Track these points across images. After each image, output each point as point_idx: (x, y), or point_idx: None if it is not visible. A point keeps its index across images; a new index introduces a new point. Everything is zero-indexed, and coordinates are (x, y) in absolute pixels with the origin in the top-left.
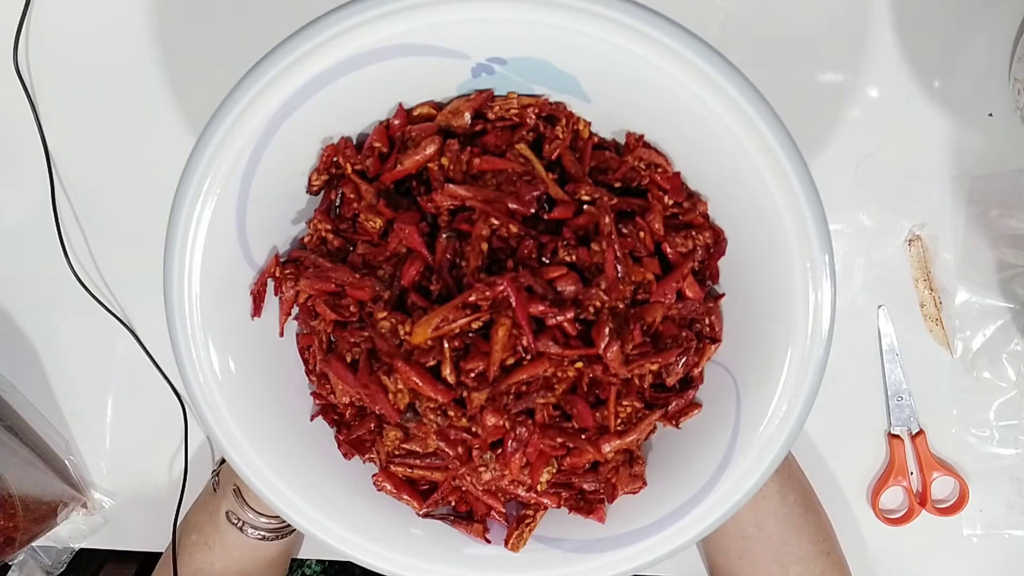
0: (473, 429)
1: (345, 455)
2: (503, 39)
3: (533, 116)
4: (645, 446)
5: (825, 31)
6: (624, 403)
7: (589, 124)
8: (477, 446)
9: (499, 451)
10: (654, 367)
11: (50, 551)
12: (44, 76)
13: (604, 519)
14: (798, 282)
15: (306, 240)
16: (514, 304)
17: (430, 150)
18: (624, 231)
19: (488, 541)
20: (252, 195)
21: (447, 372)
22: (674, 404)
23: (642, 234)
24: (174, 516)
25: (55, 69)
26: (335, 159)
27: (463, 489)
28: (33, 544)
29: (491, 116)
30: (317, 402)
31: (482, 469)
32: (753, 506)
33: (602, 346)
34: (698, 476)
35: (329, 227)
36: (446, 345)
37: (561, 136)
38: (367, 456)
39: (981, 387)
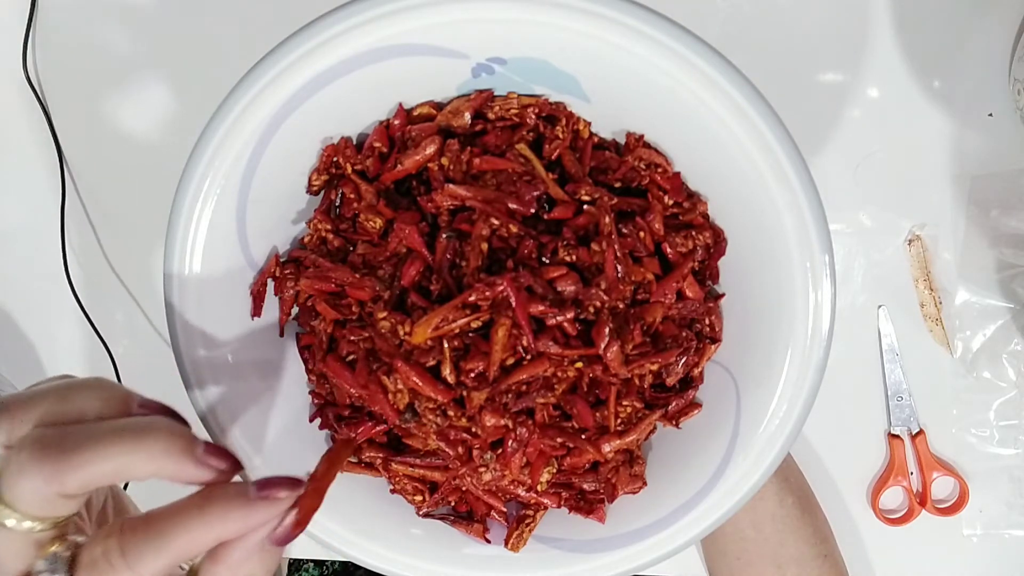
0: (473, 429)
1: None
2: (503, 39)
3: (533, 116)
4: (645, 446)
5: (825, 31)
6: (624, 403)
7: (589, 124)
8: (477, 446)
9: (499, 451)
10: (654, 367)
11: None
12: (51, 82)
13: (604, 519)
14: (798, 282)
15: (306, 240)
16: (514, 304)
17: (430, 150)
18: (624, 231)
19: (488, 541)
20: (252, 195)
21: (447, 372)
22: (674, 404)
23: (642, 234)
24: None
25: (61, 75)
26: (335, 159)
27: (463, 489)
28: None
29: (491, 116)
30: (316, 402)
31: (482, 469)
32: (751, 507)
33: (602, 346)
34: (698, 476)
35: (329, 227)
36: (446, 345)
37: (561, 136)
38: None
39: (981, 387)
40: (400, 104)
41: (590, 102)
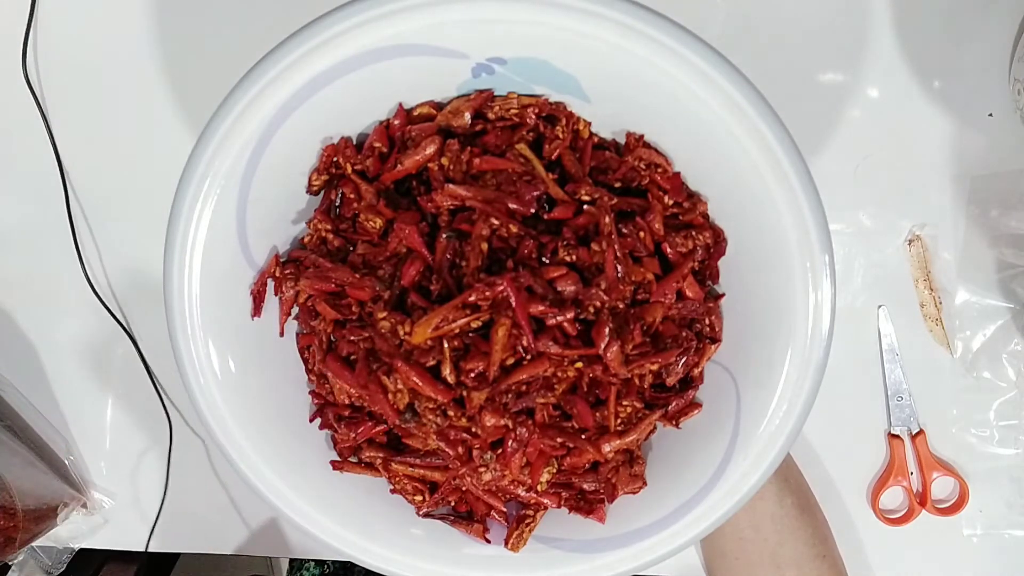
0: (473, 429)
1: (340, 455)
2: (503, 39)
3: (533, 116)
4: (645, 446)
5: (825, 31)
6: (624, 403)
7: (589, 124)
8: (477, 446)
9: (499, 451)
10: (654, 367)
11: (50, 551)
12: (51, 83)
13: (604, 519)
14: (798, 282)
15: (306, 240)
16: (514, 304)
17: (430, 150)
18: (624, 231)
19: (488, 541)
20: (252, 195)
21: (447, 372)
22: (674, 404)
23: (642, 234)
24: (152, 524)
25: (61, 76)
26: (335, 159)
27: (463, 489)
28: (33, 544)
29: (491, 116)
30: (316, 402)
31: (482, 469)
32: (750, 507)
33: (602, 346)
34: (698, 476)
35: (329, 227)
36: (446, 345)
37: (561, 136)
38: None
39: (981, 387)
40: (400, 104)
41: (590, 102)
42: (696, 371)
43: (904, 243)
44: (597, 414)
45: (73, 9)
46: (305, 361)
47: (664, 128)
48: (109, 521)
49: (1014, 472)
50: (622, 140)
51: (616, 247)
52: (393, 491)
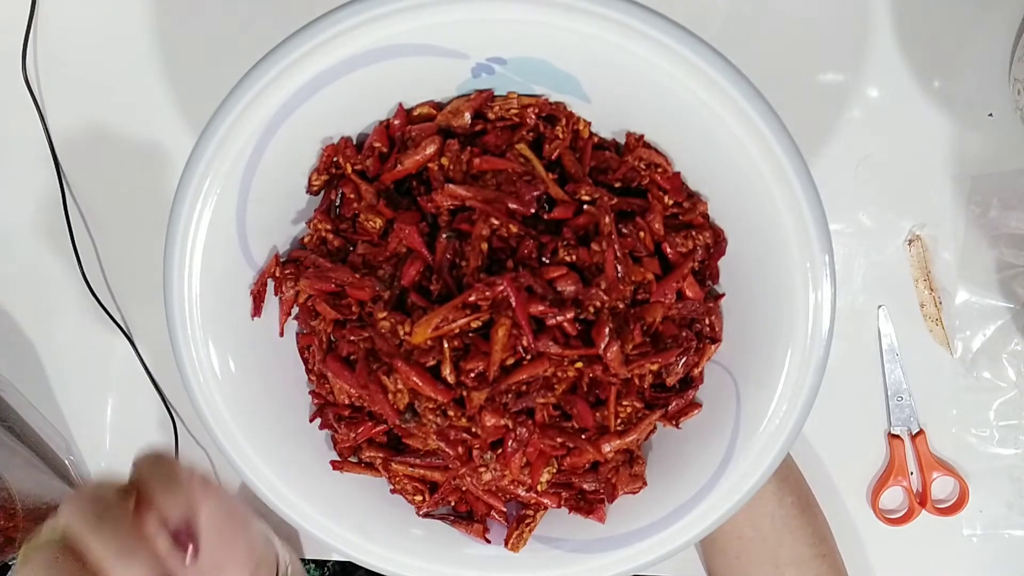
0: (473, 429)
1: (340, 455)
2: (503, 39)
3: (533, 116)
4: (645, 446)
5: (825, 31)
6: (624, 403)
7: (589, 124)
8: (477, 446)
9: (499, 451)
10: (654, 367)
11: None
12: (51, 84)
13: (604, 519)
14: (798, 282)
15: (306, 240)
16: (514, 304)
17: (430, 150)
18: (624, 231)
19: (488, 541)
20: (252, 195)
21: (447, 372)
22: (674, 404)
23: (642, 234)
24: None
25: (60, 77)
26: (335, 159)
27: (463, 489)
28: None
29: (491, 116)
30: (316, 402)
31: (482, 469)
32: (750, 507)
33: (602, 346)
34: (698, 476)
35: (329, 227)
36: (446, 345)
37: (561, 136)
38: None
39: (981, 387)
40: (400, 104)
41: (590, 102)
42: (696, 371)
43: (904, 243)
44: (597, 414)
45: (73, 10)
46: (305, 361)
47: (664, 128)
48: None
49: (1014, 472)
50: (622, 140)
51: (616, 247)
52: (393, 491)
